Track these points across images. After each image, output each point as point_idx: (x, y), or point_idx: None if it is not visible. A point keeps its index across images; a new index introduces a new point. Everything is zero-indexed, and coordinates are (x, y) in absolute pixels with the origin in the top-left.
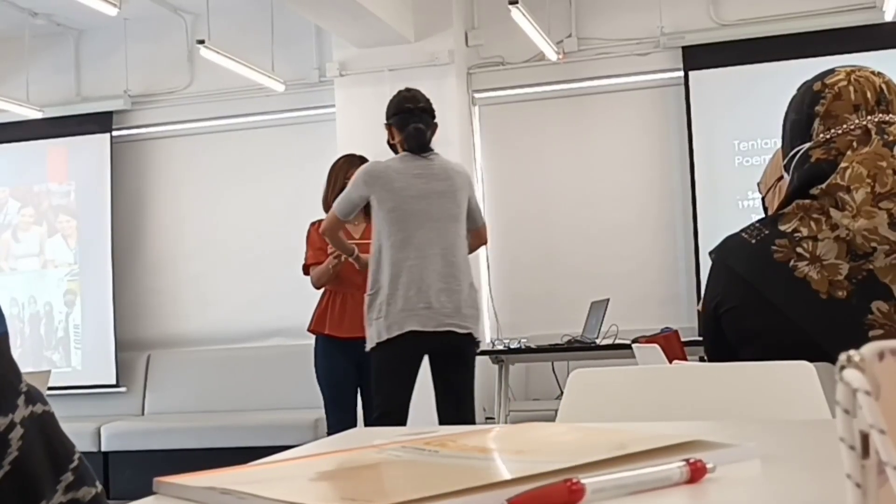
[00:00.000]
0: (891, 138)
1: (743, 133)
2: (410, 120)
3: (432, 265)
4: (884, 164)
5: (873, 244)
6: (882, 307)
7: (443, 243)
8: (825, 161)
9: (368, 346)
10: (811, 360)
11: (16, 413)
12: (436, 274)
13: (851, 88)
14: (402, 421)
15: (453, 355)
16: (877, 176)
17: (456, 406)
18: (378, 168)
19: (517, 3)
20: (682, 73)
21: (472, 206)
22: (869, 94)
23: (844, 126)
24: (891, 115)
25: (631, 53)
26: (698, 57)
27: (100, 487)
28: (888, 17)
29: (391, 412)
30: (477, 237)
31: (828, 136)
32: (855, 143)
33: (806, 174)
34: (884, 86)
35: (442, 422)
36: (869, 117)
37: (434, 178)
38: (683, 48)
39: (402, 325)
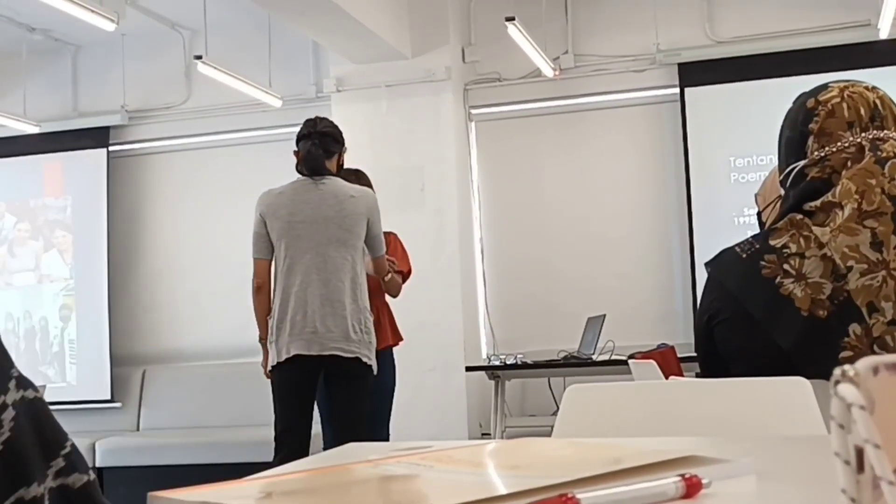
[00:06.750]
0: (884, 155)
1: (739, 150)
2: (308, 145)
3: (317, 290)
4: (873, 181)
5: (850, 262)
6: (857, 330)
7: (328, 268)
8: (819, 179)
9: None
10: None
11: (7, 395)
12: (319, 299)
13: (845, 105)
14: (295, 443)
15: (342, 378)
16: (865, 193)
17: (340, 429)
18: (268, 195)
19: (514, 19)
20: (677, 90)
21: (372, 233)
22: (863, 111)
23: (839, 144)
24: (885, 132)
25: (627, 70)
26: (694, 74)
27: (92, 476)
28: (883, 35)
29: (281, 434)
30: (375, 268)
31: (822, 154)
32: (849, 162)
33: (801, 192)
34: (878, 101)
35: (326, 445)
36: (863, 134)
37: (322, 203)
38: (679, 65)
39: (289, 349)
